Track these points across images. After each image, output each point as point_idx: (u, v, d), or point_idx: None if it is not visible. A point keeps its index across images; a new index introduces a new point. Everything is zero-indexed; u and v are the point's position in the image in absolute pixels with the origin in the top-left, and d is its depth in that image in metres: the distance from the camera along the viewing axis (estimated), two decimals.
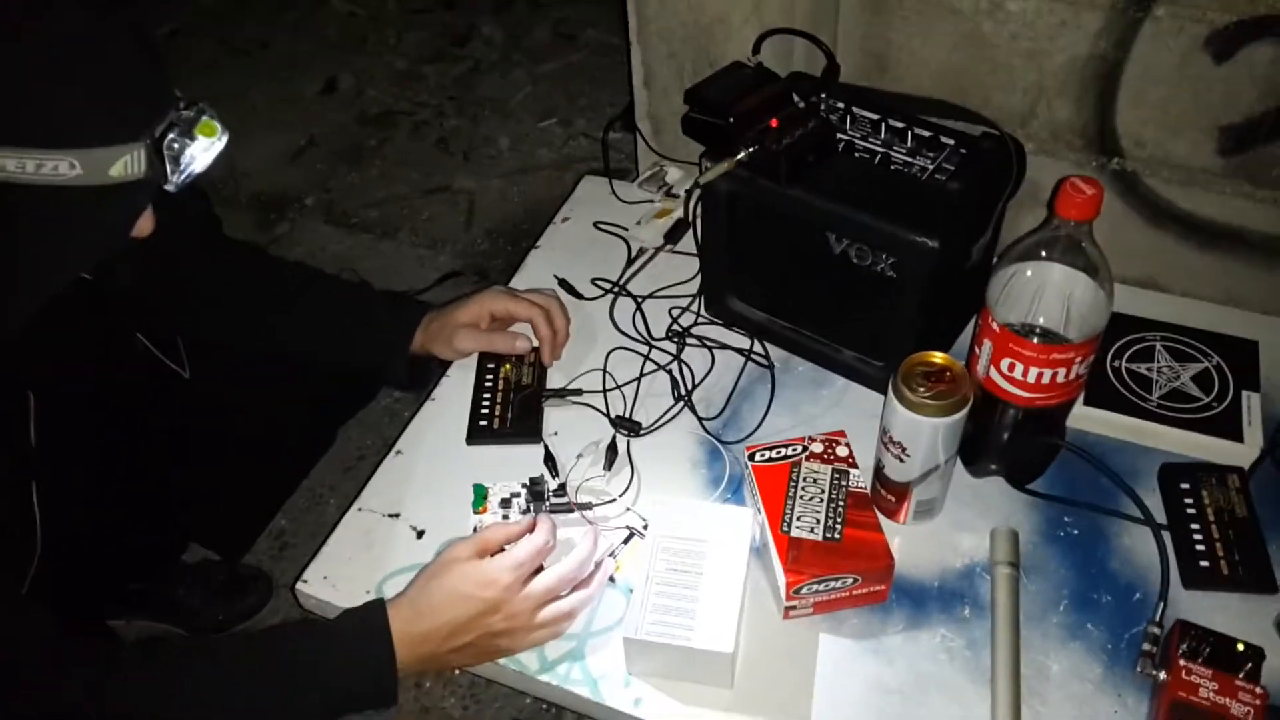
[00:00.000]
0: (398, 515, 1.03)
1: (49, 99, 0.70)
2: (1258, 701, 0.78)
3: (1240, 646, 0.82)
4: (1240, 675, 0.80)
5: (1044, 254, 0.85)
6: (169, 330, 1.22)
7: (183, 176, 0.77)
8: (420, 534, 1.01)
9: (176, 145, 0.76)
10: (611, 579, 0.95)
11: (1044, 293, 0.85)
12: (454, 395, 1.14)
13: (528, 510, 0.99)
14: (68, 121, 0.71)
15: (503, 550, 0.90)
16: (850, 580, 0.88)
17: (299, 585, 0.99)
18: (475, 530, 0.98)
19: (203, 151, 0.78)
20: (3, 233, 0.74)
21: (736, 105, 0.99)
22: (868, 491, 0.93)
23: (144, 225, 0.81)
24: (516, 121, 2.70)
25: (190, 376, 1.24)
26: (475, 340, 1.14)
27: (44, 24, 0.71)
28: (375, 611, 0.87)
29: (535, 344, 1.14)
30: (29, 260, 0.76)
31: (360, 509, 1.04)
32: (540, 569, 0.90)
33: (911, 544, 0.97)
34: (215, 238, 1.18)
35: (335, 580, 0.98)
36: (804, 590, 0.88)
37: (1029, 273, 0.86)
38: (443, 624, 0.85)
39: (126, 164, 0.73)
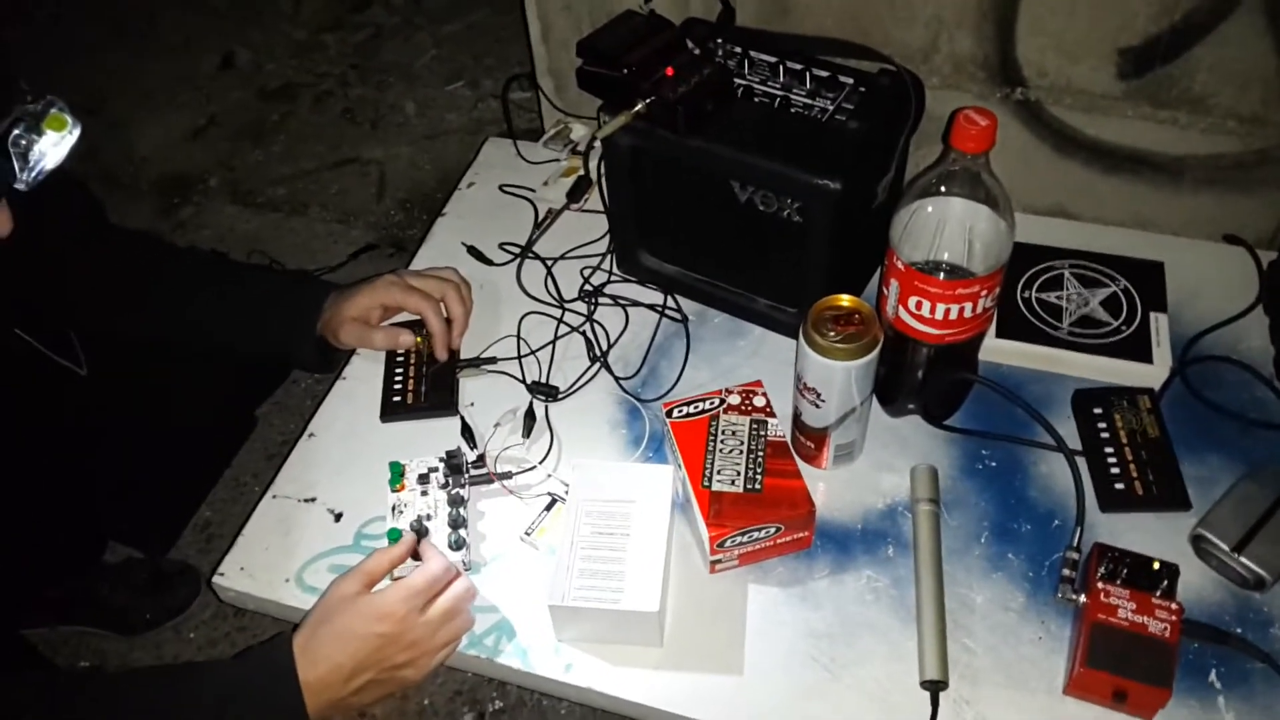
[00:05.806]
0: (314, 499, 1.01)
1: None
2: (1174, 617, 0.79)
3: (1155, 565, 0.83)
4: (1157, 593, 0.81)
5: (943, 189, 0.84)
6: (56, 327, 1.16)
7: (33, 174, 0.73)
8: (338, 517, 0.99)
9: (24, 141, 0.72)
10: (534, 546, 0.94)
11: (945, 228, 0.84)
12: (366, 373, 1.11)
13: (446, 485, 0.96)
14: None
15: (391, 577, 0.87)
16: (773, 529, 0.88)
17: (215, 579, 0.96)
18: (394, 508, 0.95)
19: (53, 146, 0.73)
20: None
21: (629, 55, 0.97)
22: (787, 440, 0.93)
23: (1, 224, 0.76)
24: (423, 86, 2.63)
25: (87, 373, 1.18)
26: (358, 337, 1.09)
27: None
28: (280, 649, 0.82)
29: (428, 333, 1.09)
30: None
31: (275, 495, 1.01)
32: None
33: (834, 488, 0.97)
34: (98, 227, 1.13)
35: (252, 570, 0.96)
36: (728, 543, 0.87)
37: (929, 209, 0.85)
38: (339, 666, 0.81)
39: None
